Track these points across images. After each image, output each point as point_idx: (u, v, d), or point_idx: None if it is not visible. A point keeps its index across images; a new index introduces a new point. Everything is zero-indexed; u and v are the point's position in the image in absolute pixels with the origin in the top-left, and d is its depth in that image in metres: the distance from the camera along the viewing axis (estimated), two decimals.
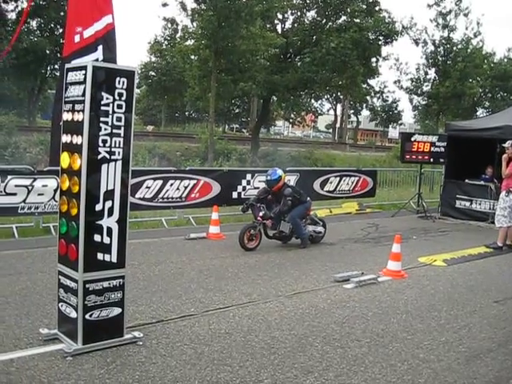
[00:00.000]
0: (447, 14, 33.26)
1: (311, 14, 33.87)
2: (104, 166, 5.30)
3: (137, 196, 11.92)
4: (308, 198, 11.51)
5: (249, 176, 14.23)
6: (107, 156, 5.30)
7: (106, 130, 5.26)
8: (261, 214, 10.76)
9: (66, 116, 5.45)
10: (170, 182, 12.68)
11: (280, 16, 33.85)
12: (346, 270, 9.16)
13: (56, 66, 43.65)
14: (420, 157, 16.58)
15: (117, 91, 5.29)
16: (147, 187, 12.28)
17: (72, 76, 5.41)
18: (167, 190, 12.61)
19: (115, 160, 5.36)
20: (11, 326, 6.04)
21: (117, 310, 5.61)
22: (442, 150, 16.34)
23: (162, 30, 56.26)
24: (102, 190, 5.31)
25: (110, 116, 5.28)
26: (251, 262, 9.71)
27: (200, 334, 6.11)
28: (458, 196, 15.89)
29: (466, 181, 15.78)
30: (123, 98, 5.34)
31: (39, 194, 10.86)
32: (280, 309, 7.15)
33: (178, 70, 47.54)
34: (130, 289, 6.43)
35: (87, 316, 5.40)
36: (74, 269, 5.38)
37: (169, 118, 65.69)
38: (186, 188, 12.92)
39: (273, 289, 8.01)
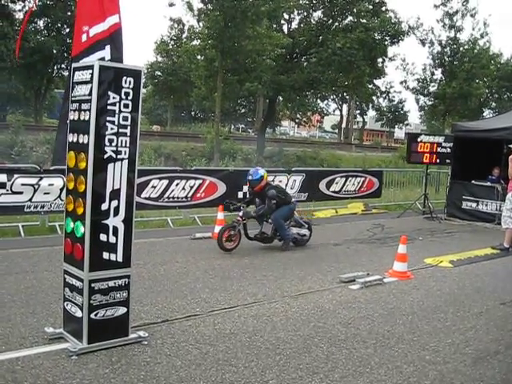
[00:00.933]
0: (454, 15, 33.20)
1: (317, 14, 33.91)
2: (110, 166, 5.29)
3: (142, 195, 11.93)
4: (293, 199, 11.19)
5: None
6: (113, 155, 5.30)
7: (112, 129, 5.26)
8: (241, 213, 10.45)
9: (73, 115, 5.45)
10: (176, 181, 12.69)
11: (286, 16, 33.85)
12: (352, 270, 9.13)
13: (63, 66, 43.87)
14: (426, 157, 16.52)
15: (123, 90, 5.29)
16: (153, 187, 12.30)
17: (79, 75, 5.41)
18: (173, 190, 12.63)
19: (121, 159, 5.36)
20: (17, 324, 6.04)
21: (122, 310, 5.60)
22: (449, 150, 16.28)
23: (168, 30, 56.37)
24: (108, 189, 5.31)
25: (117, 115, 5.28)
26: (256, 262, 9.70)
27: (205, 334, 6.10)
28: (464, 197, 15.83)
29: (473, 182, 15.71)
30: (130, 98, 5.34)
31: (45, 193, 10.89)
32: (285, 309, 7.14)
33: (184, 69, 47.61)
34: (136, 288, 6.43)
35: (92, 315, 5.40)
36: (79, 268, 5.38)
37: (175, 118, 65.76)
38: (191, 188, 12.94)
39: (278, 289, 8.00)
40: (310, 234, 11.34)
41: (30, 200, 10.79)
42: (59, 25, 42.15)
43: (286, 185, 14.67)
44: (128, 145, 5.39)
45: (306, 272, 9.09)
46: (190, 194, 12.94)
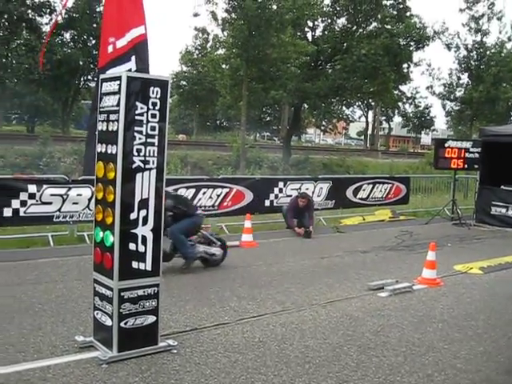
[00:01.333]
0: (480, 18, 33.03)
1: (341, 21, 33.82)
2: (138, 175, 5.35)
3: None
4: (199, 211, 9.84)
5: (281, 184, 14.22)
6: (141, 165, 5.36)
7: (140, 139, 5.31)
8: None
9: (101, 126, 5.52)
10: (203, 190, 12.73)
11: (310, 24, 33.85)
12: (380, 278, 9.06)
13: (89, 77, 44.50)
14: (454, 163, 16.34)
15: (151, 101, 5.35)
16: None
17: (106, 86, 5.48)
18: (200, 199, 12.67)
19: (149, 169, 5.41)
20: (47, 333, 6.12)
21: (151, 318, 5.64)
22: (477, 155, 16.11)
23: (193, 39, 56.78)
24: (137, 198, 5.37)
25: (144, 125, 5.33)
26: (284, 270, 9.68)
27: (234, 343, 6.10)
28: (493, 202, 15.65)
29: (502, 187, 15.52)
30: (157, 108, 5.39)
31: (74, 203, 11.01)
32: (314, 317, 7.11)
33: (209, 79, 47.87)
34: (164, 297, 6.45)
35: (122, 324, 5.45)
36: (109, 277, 5.44)
37: (200, 127, 66.10)
38: (218, 196, 12.97)
39: (306, 297, 7.97)
40: (224, 253, 9.83)
41: (59, 210, 10.91)
42: (85, 37, 42.79)
43: (313, 192, 14.63)
44: (156, 154, 5.44)
45: (334, 280, 9.05)
46: (217, 203, 12.97)
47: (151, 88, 5.35)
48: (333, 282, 8.88)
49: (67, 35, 43.01)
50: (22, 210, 10.53)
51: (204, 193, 12.75)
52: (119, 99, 5.23)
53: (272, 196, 14.01)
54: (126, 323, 5.46)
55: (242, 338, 6.26)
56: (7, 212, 10.41)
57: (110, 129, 5.37)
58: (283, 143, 38.11)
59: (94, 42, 41.49)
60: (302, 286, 8.57)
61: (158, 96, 5.39)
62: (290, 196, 13.87)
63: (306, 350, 5.99)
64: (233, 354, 5.79)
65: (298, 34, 32.29)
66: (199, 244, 9.54)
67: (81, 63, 42.07)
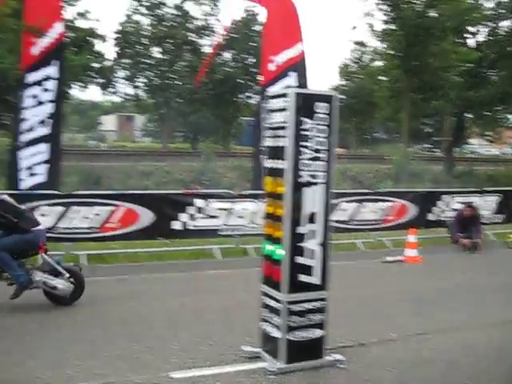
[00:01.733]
0: None
1: (506, 23, 32.09)
2: (307, 190, 5.41)
3: (332, 218, 12.00)
4: (39, 227, 7.60)
5: (446, 197, 13.72)
6: (310, 180, 5.41)
7: (308, 154, 5.38)
8: None
9: (269, 142, 5.67)
10: (365, 204, 12.63)
11: (472, 29, 32.49)
12: None
13: (248, 94, 45.93)
14: None
15: (318, 116, 5.40)
16: (342, 209, 12.33)
17: (273, 103, 5.62)
18: (362, 212, 12.57)
19: (318, 183, 5.45)
20: (217, 341, 6.34)
21: (318, 332, 5.67)
22: None
23: (350, 52, 56.78)
24: (305, 213, 5.42)
25: (312, 141, 5.39)
26: (451, 286, 9.30)
27: (401, 360, 5.96)
28: None
29: None
30: (324, 123, 5.43)
31: (239, 217, 11.39)
32: (487, 338, 6.75)
33: (366, 91, 47.52)
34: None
35: (290, 336, 5.51)
36: (277, 290, 5.54)
37: (358, 140, 65.71)
38: (382, 210, 12.81)
39: (477, 316, 7.60)
40: (77, 287, 7.58)
41: (225, 223, 11.34)
42: (244, 55, 44.31)
43: (481, 206, 13.91)
44: (324, 169, 5.47)
45: (507, 299, 8.54)
46: (379, 217, 12.80)
47: (318, 103, 5.40)
48: (505, 301, 8.38)
49: (227, 55, 44.81)
50: (189, 223, 11.08)
51: (366, 206, 12.65)
52: (287, 115, 5.34)
53: (436, 210, 13.57)
54: (293, 336, 5.52)
55: (408, 356, 6.10)
56: (176, 225, 11.05)
57: (277, 144, 5.49)
58: (445, 154, 36.84)
59: (251, 60, 42.87)
60: (471, 304, 8.18)
61: (325, 111, 5.43)
62: (456, 210, 13.35)
63: (478, 371, 5.70)
64: (399, 371, 5.66)
65: (459, 40, 31.14)
66: (38, 271, 7.47)
67: (240, 81, 43.59)
